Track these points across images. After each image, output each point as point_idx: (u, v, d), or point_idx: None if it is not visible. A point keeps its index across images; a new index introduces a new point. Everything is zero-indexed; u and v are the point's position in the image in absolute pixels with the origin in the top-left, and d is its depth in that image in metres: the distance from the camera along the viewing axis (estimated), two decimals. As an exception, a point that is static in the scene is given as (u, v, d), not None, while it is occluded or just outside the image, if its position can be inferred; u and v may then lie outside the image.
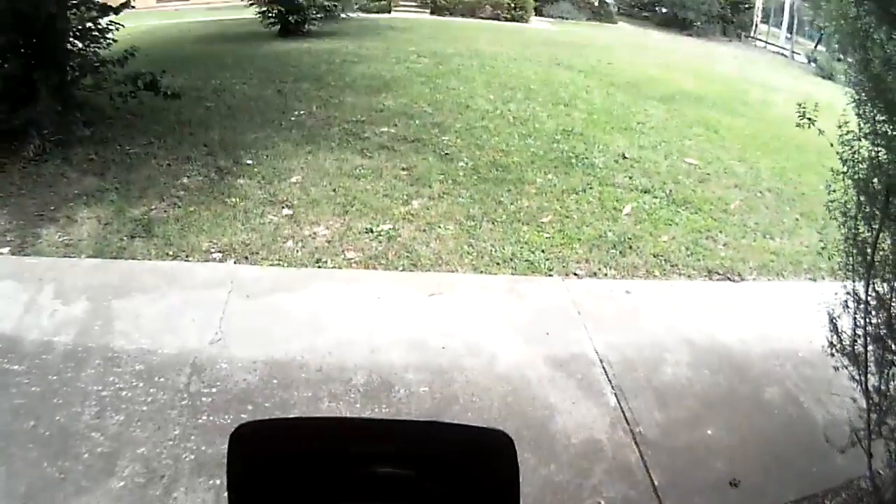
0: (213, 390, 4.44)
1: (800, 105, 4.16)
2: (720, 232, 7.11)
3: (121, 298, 5.16)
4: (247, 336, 4.91)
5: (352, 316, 5.25)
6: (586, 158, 8.23)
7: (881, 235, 3.79)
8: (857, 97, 3.76)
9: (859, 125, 3.79)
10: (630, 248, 6.60)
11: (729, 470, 4.38)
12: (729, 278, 6.36)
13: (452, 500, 1.44)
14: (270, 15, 16.93)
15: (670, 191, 7.72)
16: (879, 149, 3.74)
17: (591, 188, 7.59)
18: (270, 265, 5.83)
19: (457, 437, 1.43)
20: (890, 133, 3.69)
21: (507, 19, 28.82)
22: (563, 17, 32.47)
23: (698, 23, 34.31)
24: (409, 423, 1.47)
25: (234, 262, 5.82)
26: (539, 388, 4.73)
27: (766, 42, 35.14)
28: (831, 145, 3.92)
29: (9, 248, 5.70)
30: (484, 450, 1.40)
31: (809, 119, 4.11)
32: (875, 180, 3.75)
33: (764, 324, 5.68)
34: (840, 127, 3.84)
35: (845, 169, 3.87)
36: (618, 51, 18.39)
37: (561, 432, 4.45)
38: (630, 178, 7.90)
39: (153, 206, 6.52)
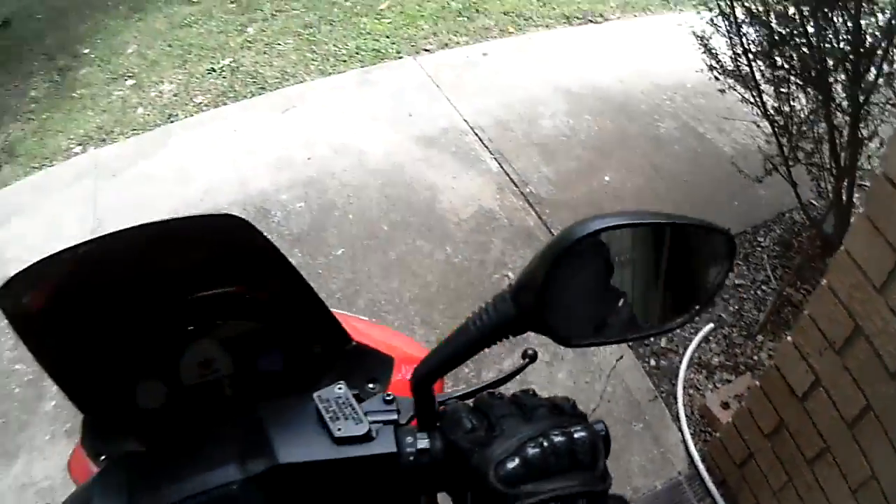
0: None
1: None
2: (568, -21, 6.66)
3: (3, 229, 4.79)
4: (122, 212, 4.63)
5: (214, 156, 4.94)
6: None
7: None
8: None
9: None
10: (477, 11, 6.21)
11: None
12: (591, 21, 5.98)
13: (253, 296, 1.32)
14: None
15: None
16: None
17: (423, -35, 7.07)
18: (127, 138, 5.46)
19: (198, 230, 1.22)
20: None
21: None
22: None
23: None
24: (147, 226, 1.17)
25: (94, 148, 5.42)
26: (415, 171, 4.42)
27: None
28: None
29: None
30: (227, 235, 1.21)
31: None
32: None
33: (640, 60, 5.36)
34: None
35: None
36: None
37: (448, 211, 4.16)
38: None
39: (10, 130, 6.02)
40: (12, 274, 1.07)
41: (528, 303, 0.86)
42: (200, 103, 5.65)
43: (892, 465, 2.27)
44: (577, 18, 5.99)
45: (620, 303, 0.95)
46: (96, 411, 1.31)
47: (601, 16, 6.02)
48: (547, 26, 5.93)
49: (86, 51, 6.92)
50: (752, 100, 3.74)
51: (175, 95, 5.85)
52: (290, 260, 1.25)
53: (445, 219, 4.09)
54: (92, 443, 1.30)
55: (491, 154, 4.47)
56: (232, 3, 7.10)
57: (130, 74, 6.28)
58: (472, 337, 0.92)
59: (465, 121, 4.73)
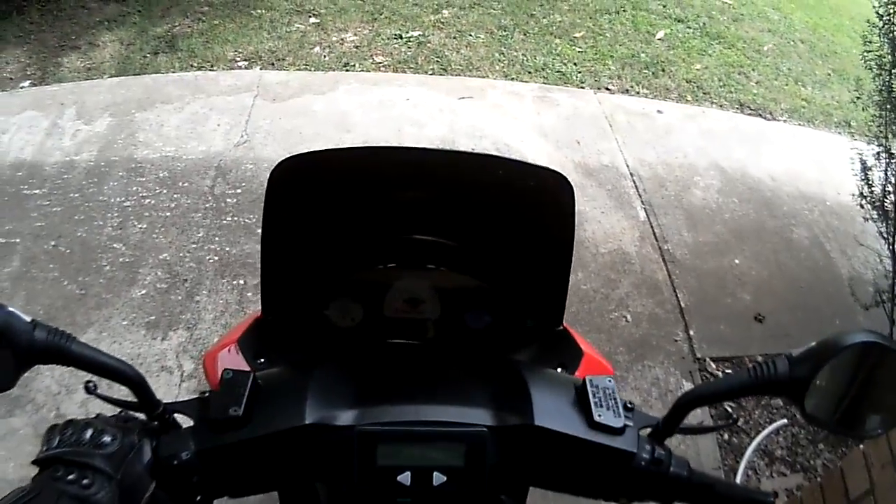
0: (238, 191, 4.39)
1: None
2: (753, 70, 6.82)
3: (144, 111, 5.01)
4: (273, 137, 4.84)
5: (380, 116, 5.14)
6: (620, -18, 7.92)
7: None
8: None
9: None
10: (663, 70, 6.37)
11: (754, 303, 4.30)
12: (761, 115, 6.14)
13: (498, 254, 1.40)
14: None
15: (704, 24, 7.35)
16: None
17: (624, 11, 7.24)
18: (297, 70, 5.69)
19: (512, 171, 1.32)
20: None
21: None
22: None
23: None
24: (463, 154, 1.36)
25: (261, 69, 5.65)
26: None
27: None
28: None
29: (29, 81, 5.44)
30: (540, 188, 1.30)
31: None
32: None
33: (794, 166, 5.49)
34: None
35: (881, 24, 3.80)
36: None
37: (590, 240, 4.36)
38: (664, 6, 7.54)
39: (177, 24, 6.29)
40: (289, 154, 1.23)
41: (801, 375, 1.01)
42: (380, 63, 5.84)
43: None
44: (750, 108, 6.14)
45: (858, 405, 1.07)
46: (279, 313, 1.42)
47: (771, 114, 6.16)
48: (721, 106, 6.08)
49: (275, -25, 7.11)
50: (885, 236, 3.93)
51: (356, 47, 6.03)
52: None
53: (584, 247, 4.28)
54: (254, 343, 1.41)
55: (642, 203, 4.66)
56: (433, -20, 7.27)
57: (316, 13, 6.48)
58: (744, 381, 1.05)
59: (627, 165, 4.93)
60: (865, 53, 3.98)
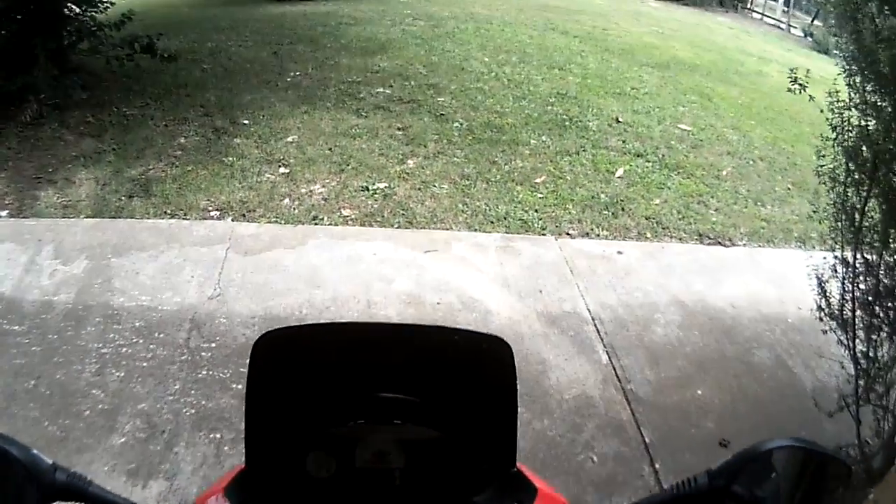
0: (213, 345, 4.50)
1: (792, 70, 4.32)
2: (712, 197, 7.14)
3: (120, 257, 5.22)
4: (245, 291, 5.00)
5: (349, 272, 5.33)
6: (580, 121, 8.30)
7: (869, 202, 3.86)
8: (848, 68, 3.83)
9: (849, 95, 3.87)
10: (622, 209, 6.66)
11: (719, 430, 4.43)
12: (720, 243, 6.42)
13: (452, 409, 1.56)
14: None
15: (663, 155, 7.74)
16: (868, 118, 3.82)
17: (584, 150, 7.63)
18: (268, 222, 5.91)
19: (459, 342, 1.53)
20: (879, 103, 3.75)
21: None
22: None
23: (695, -8, 33.47)
24: (418, 327, 1.70)
25: (232, 220, 5.90)
26: (532, 344, 4.79)
27: (762, 14, 33.30)
28: (821, 111, 4.00)
29: (7, 212, 5.73)
30: (484, 351, 1.49)
31: (801, 85, 4.22)
32: (864, 148, 3.82)
33: (754, 289, 5.74)
34: (830, 95, 3.92)
35: (834, 135, 3.94)
36: (613, 17, 17.68)
37: (554, 388, 4.51)
38: (623, 141, 7.94)
39: (151, 167, 6.59)
40: (273, 328, 1.46)
41: (719, 485, 1.16)
42: (347, 217, 6.11)
43: None
44: (709, 238, 6.42)
45: None
46: (260, 466, 1.59)
47: (730, 240, 6.43)
48: (681, 239, 6.36)
49: (245, 121, 7.48)
50: (845, 343, 4.07)
51: (324, 200, 6.31)
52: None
53: (549, 394, 4.43)
54: (239, 493, 1.56)
55: (604, 347, 4.84)
56: (399, 129, 7.64)
57: (285, 163, 6.81)
58: (666, 497, 1.22)
59: (589, 310, 5.13)
60: (819, 167, 4.13)
